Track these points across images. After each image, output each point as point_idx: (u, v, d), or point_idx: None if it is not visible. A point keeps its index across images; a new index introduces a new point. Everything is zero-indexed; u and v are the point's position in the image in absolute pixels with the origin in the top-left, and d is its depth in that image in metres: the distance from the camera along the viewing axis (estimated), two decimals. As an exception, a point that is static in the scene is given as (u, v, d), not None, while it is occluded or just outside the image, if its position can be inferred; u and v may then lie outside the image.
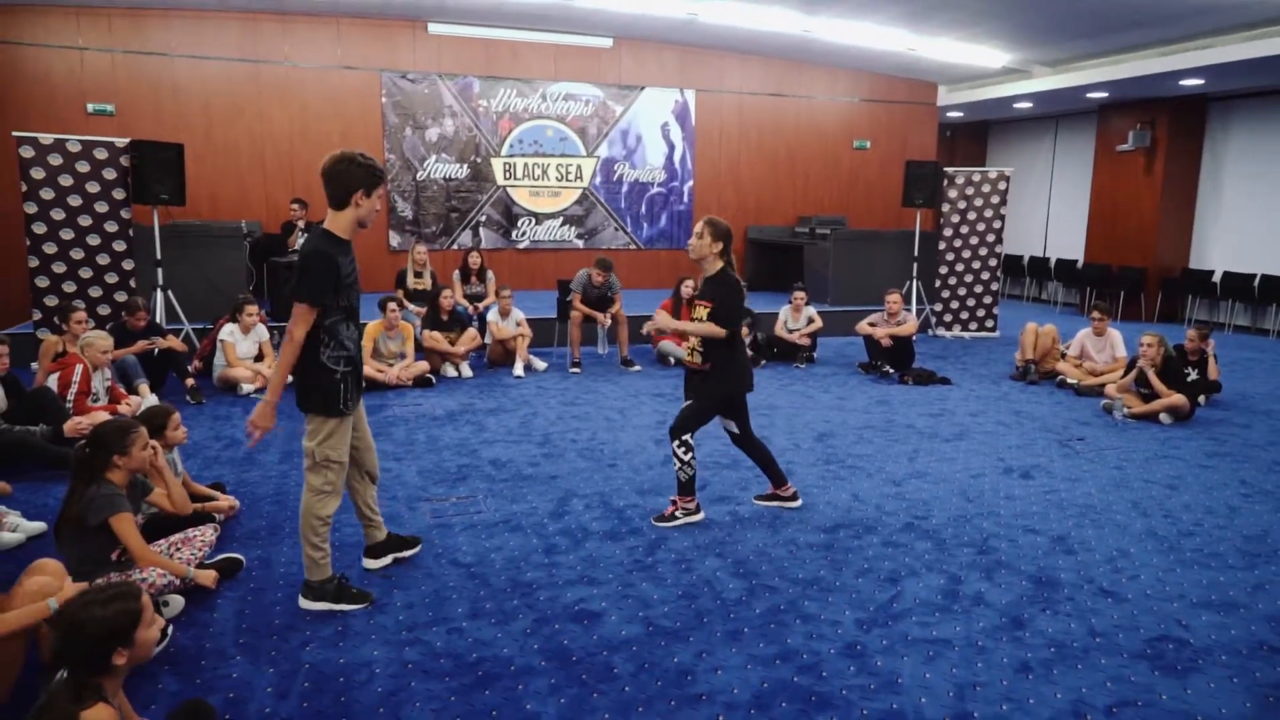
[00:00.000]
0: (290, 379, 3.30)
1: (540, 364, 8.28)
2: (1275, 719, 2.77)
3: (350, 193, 3.21)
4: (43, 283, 7.89)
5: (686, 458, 4.25)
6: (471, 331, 8.09)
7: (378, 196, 3.32)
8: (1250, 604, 3.53)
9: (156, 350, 6.84)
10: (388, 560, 3.79)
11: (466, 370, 7.98)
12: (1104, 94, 11.89)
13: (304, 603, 3.40)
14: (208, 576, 3.49)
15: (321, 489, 3.33)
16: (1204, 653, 3.14)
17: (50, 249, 7.86)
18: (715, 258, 4.21)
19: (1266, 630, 3.32)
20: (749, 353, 8.58)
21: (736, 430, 4.44)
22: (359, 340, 3.43)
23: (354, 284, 3.36)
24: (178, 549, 3.63)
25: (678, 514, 4.34)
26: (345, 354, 3.29)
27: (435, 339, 7.79)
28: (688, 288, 8.55)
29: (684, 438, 4.23)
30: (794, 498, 4.60)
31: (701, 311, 4.22)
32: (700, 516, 4.38)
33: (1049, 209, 14.85)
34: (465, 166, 11.64)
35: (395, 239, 11.41)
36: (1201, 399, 6.97)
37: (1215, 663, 3.07)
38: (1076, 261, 13.68)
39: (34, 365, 6.81)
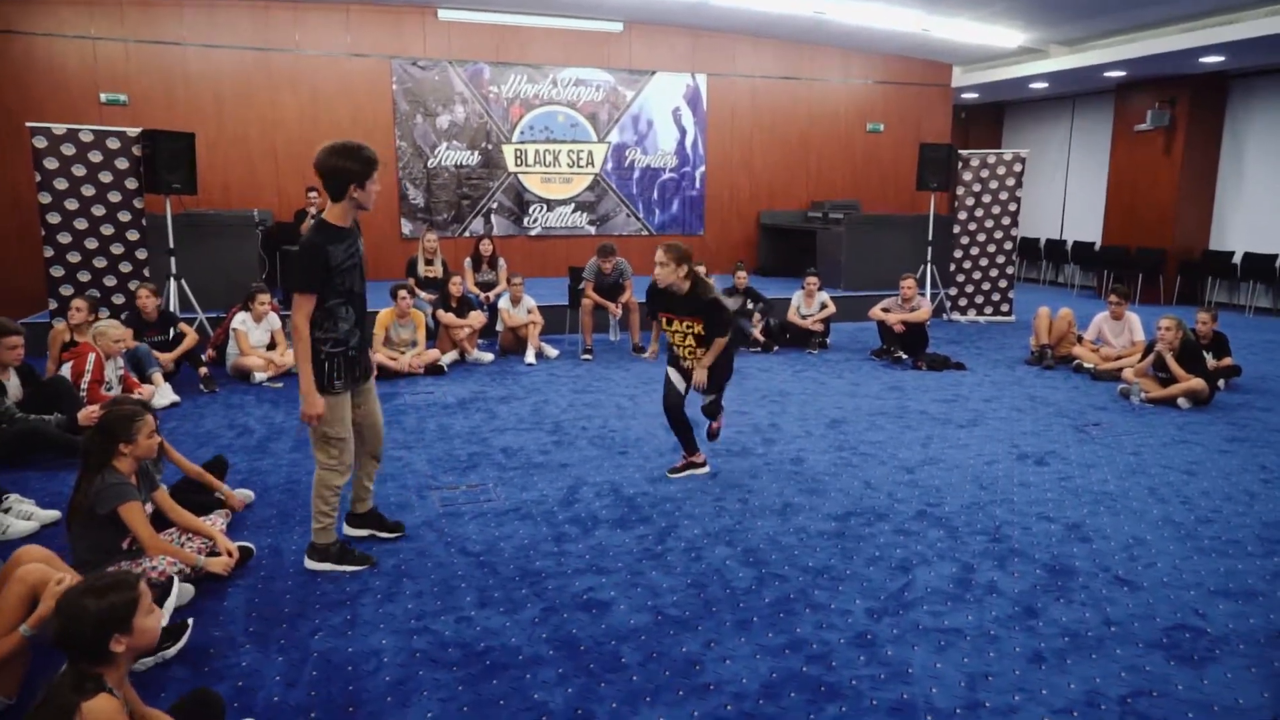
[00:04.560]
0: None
1: (552, 351, 8.26)
2: (1293, 709, 2.73)
3: (345, 186, 3.30)
4: (57, 272, 7.94)
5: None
6: (476, 312, 8.08)
7: (374, 181, 3.35)
8: (1269, 592, 3.48)
9: (172, 337, 6.89)
10: (364, 533, 3.94)
11: (487, 355, 8.00)
12: (1122, 73, 11.70)
13: (309, 563, 3.64)
14: (219, 564, 3.50)
15: (326, 464, 3.53)
16: (1221, 642, 3.10)
17: (65, 238, 7.90)
18: (683, 280, 4.52)
19: (1285, 619, 3.26)
20: (762, 339, 8.56)
21: (685, 392, 4.74)
22: (357, 323, 3.51)
23: (351, 269, 3.43)
24: (188, 537, 3.64)
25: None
26: (335, 335, 3.41)
27: (449, 318, 7.79)
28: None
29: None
30: (705, 464, 4.91)
31: (684, 326, 4.58)
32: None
33: (1066, 191, 14.67)
34: (476, 153, 11.60)
35: (407, 227, 11.41)
36: (1221, 383, 6.88)
37: (1233, 652, 3.03)
38: (1094, 244, 13.51)
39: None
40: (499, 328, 8.35)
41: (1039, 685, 2.82)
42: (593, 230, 12.24)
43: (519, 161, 11.82)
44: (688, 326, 4.55)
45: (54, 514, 4.16)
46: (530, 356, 8.02)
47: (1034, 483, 4.77)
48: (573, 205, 12.17)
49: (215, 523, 3.85)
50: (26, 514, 4.12)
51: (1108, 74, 11.80)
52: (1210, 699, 2.75)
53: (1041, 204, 14.94)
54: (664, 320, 4.67)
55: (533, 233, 12.04)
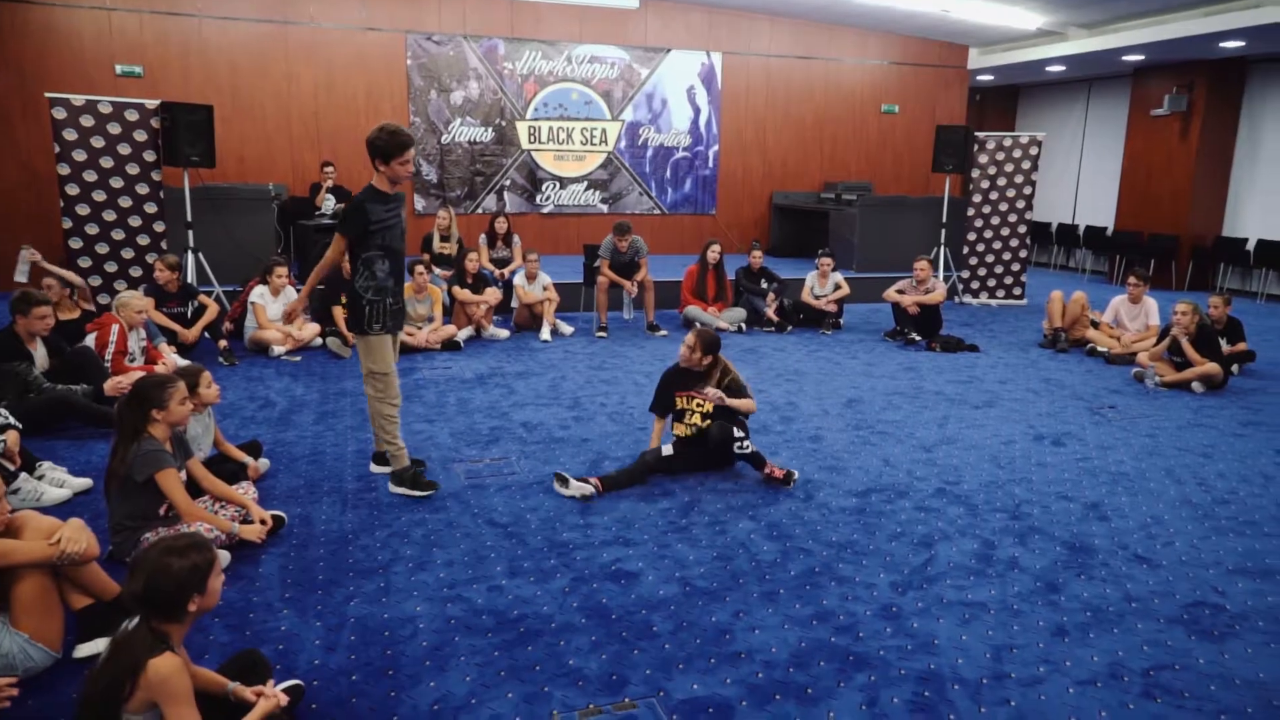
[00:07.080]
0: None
1: (566, 328, 8.30)
2: (1313, 685, 2.78)
3: (373, 158, 3.90)
4: (76, 244, 7.96)
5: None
6: (492, 289, 8.11)
7: (397, 161, 3.88)
8: (1287, 572, 3.53)
9: (191, 312, 6.94)
10: (388, 470, 4.36)
11: (502, 332, 8.05)
12: (1140, 56, 11.62)
13: (391, 486, 4.21)
14: (253, 531, 3.56)
15: (375, 396, 4.12)
16: (1240, 618, 3.15)
17: (83, 210, 7.92)
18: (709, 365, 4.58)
19: (1303, 598, 3.32)
20: (776, 318, 8.59)
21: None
22: (397, 277, 4.07)
23: (390, 228, 3.99)
24: (223, 505, 3.69)
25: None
26: (375, 284, 3.98)
27: (465, 294, 7.82)
28: (714, 253, 8.53)
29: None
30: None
31: (695, 404, 4.55)
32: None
33: (1079, 175, 14.61)
34: (490, 130, 11.58)
35: (420, 203, 11.41)
36: (1235, 367, 6.91)
37: (1252, 628, 3.08)
38: (1106, 229, 13.48)
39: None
40: (514, 304, 8.38)
41: (1063, 657, 2.87)
42: (605, 209, 12.24)
43: (532, 138, 11.80)
44: (698, 404, 4.53)
45: (86, 482, 4.22)
46: (545, 333, 8.06)
47: (1051, 463, 4.82)
48: (585, 183, 12.16)
49: (246, 491, 3.91)
50: (59, 481, 4.18)
51: (1126, 58, 11.72)
52: (1231, 673, 2.81)
53: (1054, 188, 14.88)
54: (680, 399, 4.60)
55: (545, 210, 12.04)
